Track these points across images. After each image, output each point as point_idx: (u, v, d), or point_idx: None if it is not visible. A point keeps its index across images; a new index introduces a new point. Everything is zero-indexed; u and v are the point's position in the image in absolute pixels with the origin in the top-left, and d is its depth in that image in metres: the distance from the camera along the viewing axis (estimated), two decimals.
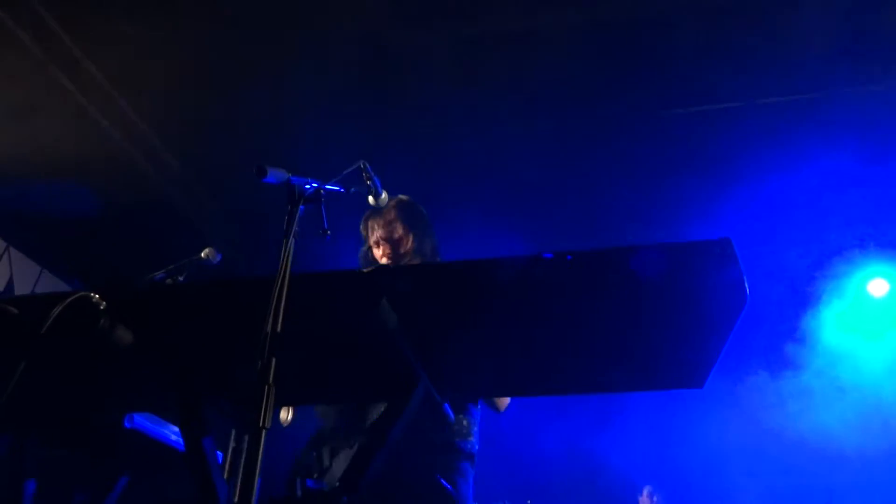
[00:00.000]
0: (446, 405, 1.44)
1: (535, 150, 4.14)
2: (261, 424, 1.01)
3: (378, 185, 1.95)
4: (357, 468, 1.28)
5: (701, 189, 4.23)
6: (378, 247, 2.23)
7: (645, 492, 4.28)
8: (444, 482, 1.87)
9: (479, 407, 2.13)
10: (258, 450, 1.00)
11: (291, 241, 1.23)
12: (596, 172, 4.25)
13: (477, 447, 2.07)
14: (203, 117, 3.85)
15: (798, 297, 4.41)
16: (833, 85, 3.85)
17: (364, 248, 2.33)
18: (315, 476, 1.93)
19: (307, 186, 1.30)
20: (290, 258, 1.20)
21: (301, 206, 1.27)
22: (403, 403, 1.30)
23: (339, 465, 1.92)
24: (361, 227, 2.33)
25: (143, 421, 1.62)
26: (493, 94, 3.93)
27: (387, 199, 2.00)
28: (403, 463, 1.70)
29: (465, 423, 2.05)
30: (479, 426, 2.12)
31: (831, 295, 4.22)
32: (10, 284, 3.92)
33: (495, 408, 2.20)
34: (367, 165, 1.89)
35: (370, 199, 1.98)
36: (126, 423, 1.61)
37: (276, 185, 1.25)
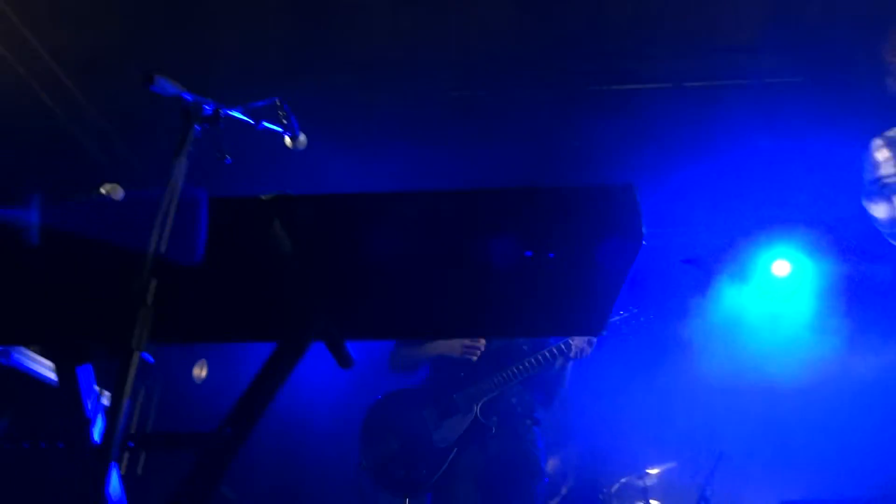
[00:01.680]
0: (348, 345, 1.40)
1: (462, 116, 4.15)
2: (133, 346, 0.95)
3: (296, 126, 1.86)
4: (246, 406, 1.23)
5: (614, 167, 4.35)
6: None
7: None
8: None
9: None
10: (128, 372, 0.93)
11: (183, 160, 1.15)
12: (515, 149, 4.30)
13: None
14: (106, 49, 3.62)
15: (706, 278, 4.67)
16: (754, 75, 4.02)
17: None
18: None
19: (205, 106, 1.22)
20: (180, 178, 1.13)
21: (197, 126, 1.19)
22: (299, 341, 1.26)
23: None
24: None
25: (20, 357, 1.51)
26: (423, 52, 3.89)
27: (305, 143, 1.93)
28: None
29: None
30: None
31: (739, 274, 4.46)
32: None
33: None
34: (284, 104, 1.81)
35: (287, 140, 1.90)
36: (2, 360, 1.50)
37: (165, 97, 1.17)
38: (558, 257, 1.11)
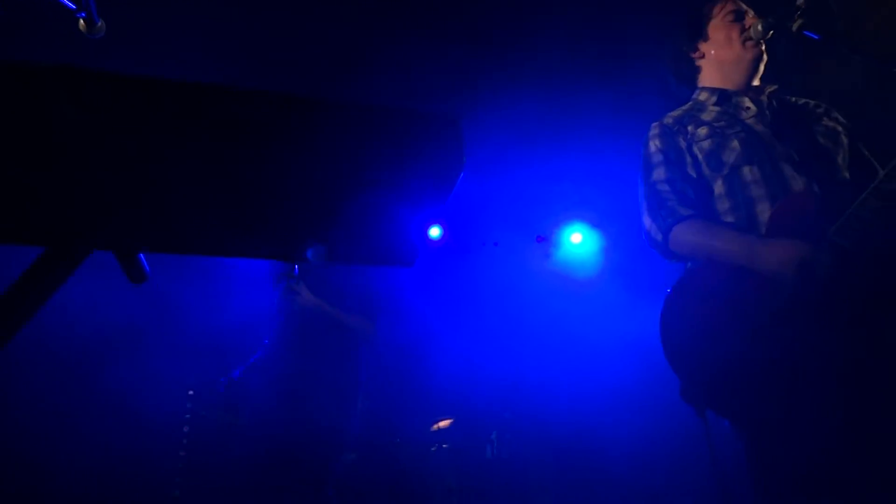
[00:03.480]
0: (142, 256, 1.25)
1: None
2: None
3: (94, 10, 1.62)
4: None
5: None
6: None
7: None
8: None
9: None
10: None
11: None
12: None
13: None
14: None
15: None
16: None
17: None
18: None
19: None
20: None
21: None
22: (74, 246, 1.09)
23: None
24: None
25: None
26: None
27: (103, 30, 1.69)
28: None
29: None
30: None
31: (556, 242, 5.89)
32: None
33: None
34: None
35: (81, 23, 1.64)
36: None
37: None
38: (372, 179, 1.09)
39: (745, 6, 2.54)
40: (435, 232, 5.79)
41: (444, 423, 4.80)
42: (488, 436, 4.80)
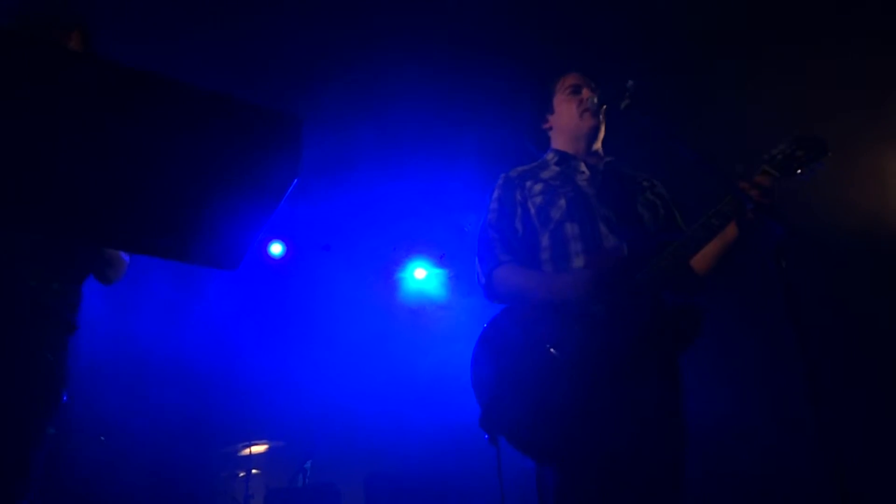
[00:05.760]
0: None
1: None
2: None
3: None
4: None
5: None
6: None
7: None
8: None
9: None
10: None
11: None
12: None
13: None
14: None
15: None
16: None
17: None
18: None
19: None
20: None
21: None
22: None
23: None
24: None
25: None
26: None
27: None
28: None
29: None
30: None
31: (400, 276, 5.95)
32: None
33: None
34: None
35: None
36: None
37: None
38: (197, 169, 1.03)
39: (584, 81, 2.81)
40: (277, 249, 5.61)
41: (257, 448, 4.56)
42: (302, 464, 4.63)
